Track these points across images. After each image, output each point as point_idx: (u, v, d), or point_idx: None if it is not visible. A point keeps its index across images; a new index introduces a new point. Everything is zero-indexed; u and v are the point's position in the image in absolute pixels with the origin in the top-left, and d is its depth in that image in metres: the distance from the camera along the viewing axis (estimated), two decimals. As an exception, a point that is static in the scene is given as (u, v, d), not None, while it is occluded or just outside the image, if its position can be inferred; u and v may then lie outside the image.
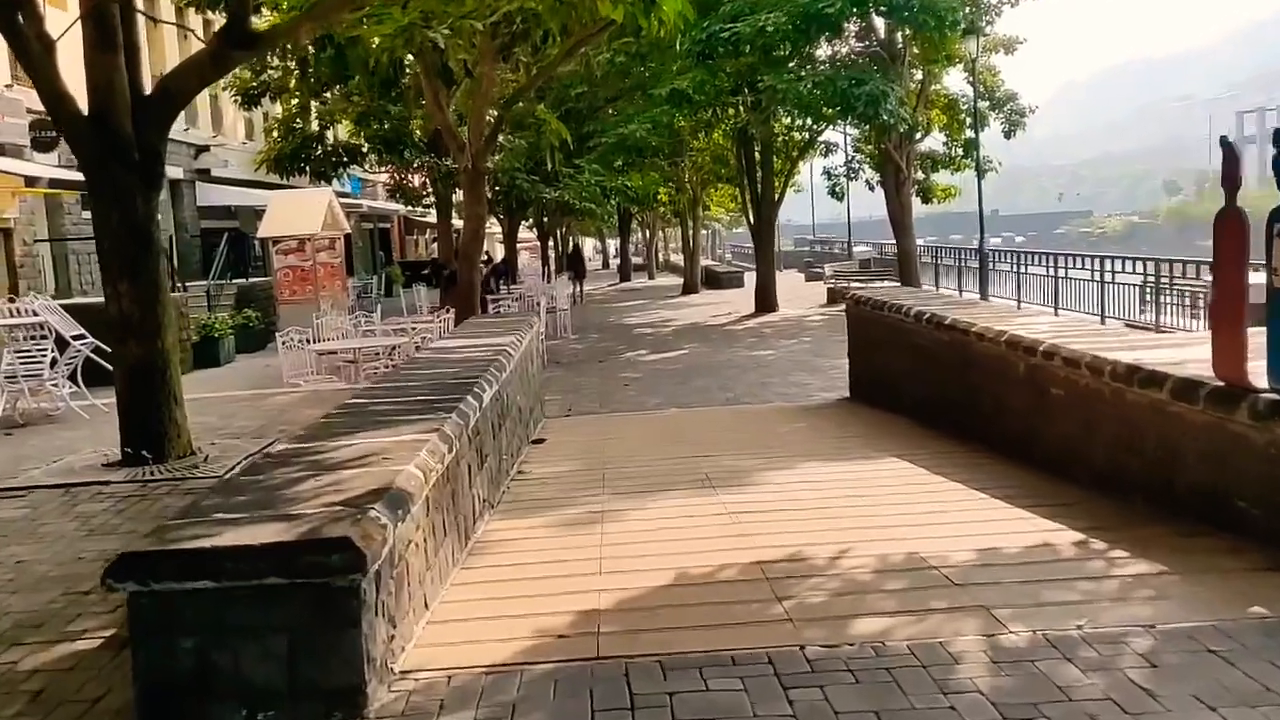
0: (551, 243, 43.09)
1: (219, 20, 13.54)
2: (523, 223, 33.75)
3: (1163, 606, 3.65)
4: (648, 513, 5.57)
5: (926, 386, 8.14)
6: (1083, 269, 18.78)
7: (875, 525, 5.03)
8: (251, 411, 10.12)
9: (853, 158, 29.10)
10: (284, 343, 12.09)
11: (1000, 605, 3.72)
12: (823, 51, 23.33)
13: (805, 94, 18.74)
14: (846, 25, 20.26)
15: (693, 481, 6.22)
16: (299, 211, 22.63)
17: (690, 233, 38.48)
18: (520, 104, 15.28)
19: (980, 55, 23.43)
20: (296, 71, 20.80)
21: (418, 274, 34.74)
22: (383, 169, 28.10)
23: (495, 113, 14.18)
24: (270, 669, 3.08)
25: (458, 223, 22.15)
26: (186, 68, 7.47)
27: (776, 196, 26.08)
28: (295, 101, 23.03)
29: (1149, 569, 4.05)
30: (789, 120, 25.00)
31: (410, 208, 31.79)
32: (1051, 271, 19.88)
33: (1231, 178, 4.40)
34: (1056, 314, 17.77)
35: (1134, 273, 17.35)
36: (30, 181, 17.23)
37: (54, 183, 17.09)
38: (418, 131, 22.48)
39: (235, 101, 23.58)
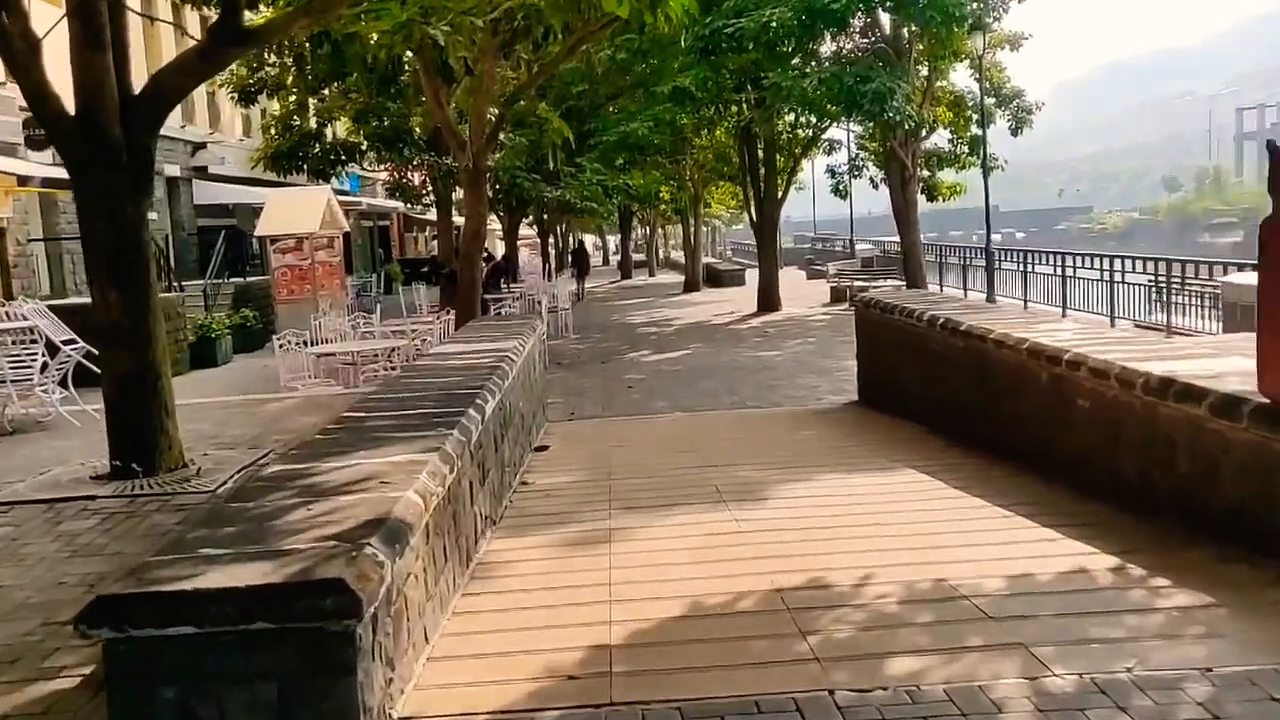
0: (552, 239, 42.88)
1: (215, 17, 13.28)
2: (523, 220, 33.50)
3: (1217, 646, 3.41)
4: (658, 531, 5.33)
5: (939, 393, 7.92)
6: (1092, 268, 18.53)
7: (897, 546, 4.79)
8: (246, 418, 9.88)
9: (857, 155, 28.86)
10: (281, 345, 11.85)
11: (1040, 642, 3.48)
12: (827, 48, 23.06)
13: (810, 91, 18.48)
14: (852, 21, 19.98)
15: (703, 495, 5.99)
16: (297, 210, 22.43)
17: (692, 230, 38.27)
18: (521, 102, 15.03)
19: (986, 51, 23.18)
20: (294, 68, 20.54)
21: (417, 272, 34.55)
22: (382, 167, 27.85)
23: (496, 110, 13.94)
24: (258, 720, 2.84)
25: (458, 220, 21.92)
26: (177, 65, 7.21)
27: (780, 195, 25.85)
28: (293, 99, 22.76)
29: (1194, 600, 3.82)
30: (793, 118, 24.75)
31: (410, 205, 31.56)
32: (1059, 271, 19.65)
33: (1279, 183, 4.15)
34: (1064, 315, 17.55)
35: (1143, 272, 17.12)
36: (23, 180, 16.97)
37: (48, 181, 16.82)
38: (417, 129, 22.22)
39: (232, 98, 23.31)
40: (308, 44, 11.13)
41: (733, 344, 18.45)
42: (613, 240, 69.32)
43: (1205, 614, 3.70)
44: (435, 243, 35.44)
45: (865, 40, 22.89)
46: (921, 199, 24.60)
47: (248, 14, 16.40)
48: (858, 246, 38.91)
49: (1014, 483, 5.91)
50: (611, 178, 25.91)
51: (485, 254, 24.77)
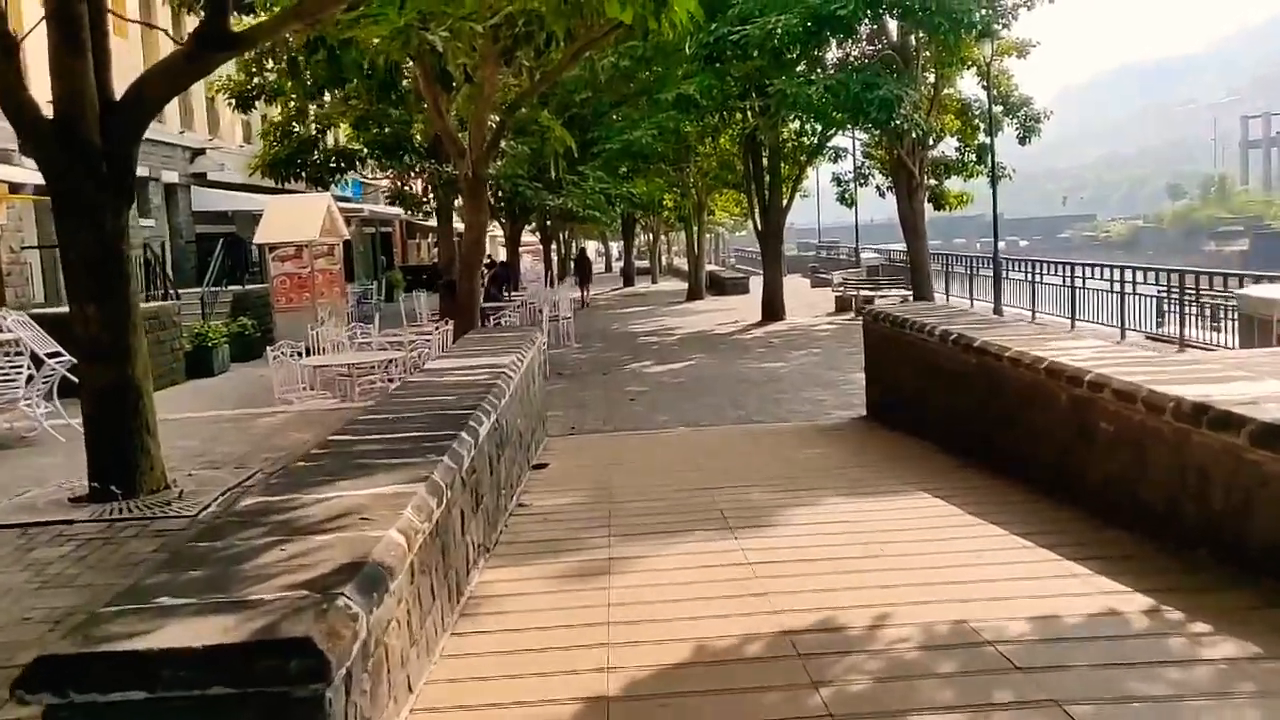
0: (555, 246, 42.67)
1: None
2: (525, 226, 33.29)
3: (1274, 709, 3.12)
4: (659, 561, 5.05)
5: (951, 411, 7.65)
6: (1101, 279, 18.25)
7: (912, 582, 4.50)
8: (236, 435, 9.60)
9: (863, 163, 28.59)
10: (275, 357, 11.58)
11: (1076, 699, 3.19)
12: (833, 55, 22.80)
13: (816, 98, 18.23)
14: (858, 27, 19.74)
15: (708, 521, 5.71)
16: (297, 217, 22.20)
17: (695, 238, 38.02)
18: (523, 109, 14.79)
19: (994, 59, 22.90)
20: (288, 74, 20.28)
21: (419, 279, 34.37)
22: (383, 174, 27.63)
23: (497, 118, 13.71)
24: (216, 794, 2.56)
25: (459, 228, 21.67)
26: (161, 70, 6.95)
27: (785, 203, 25.59)
28: (292, 104, 22.53)
29: (1240, 651, 3.53)
30: (798, 125, 24.50)
31: (411, 213, 31.36)
32: (1068, 281, 19.36)
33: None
34: (1073, 326, 17.27)
35: (1154, 283, 16.83)
36: (16, 188, 16.74)
37: (42, 189, 16.58)
38: (418, 136, 21.99)
39: (229, 104, 23.08)
40: (303, 49, 10.87)
41: (737, 355, 18.18)
42: (615, 247, 69.09)
43: (1255, 668, 3.41)
44: (437, 250, 35.24)
45: (872, 47, 22.64)
46: (928, 207, 24.34)
47: (245, 19, 16.23)
48: (863, 255, 38.59)
49: (1032, 509, 5.64)
50: (615, 186, 25.68)
51: (487, 259, 24.56)
